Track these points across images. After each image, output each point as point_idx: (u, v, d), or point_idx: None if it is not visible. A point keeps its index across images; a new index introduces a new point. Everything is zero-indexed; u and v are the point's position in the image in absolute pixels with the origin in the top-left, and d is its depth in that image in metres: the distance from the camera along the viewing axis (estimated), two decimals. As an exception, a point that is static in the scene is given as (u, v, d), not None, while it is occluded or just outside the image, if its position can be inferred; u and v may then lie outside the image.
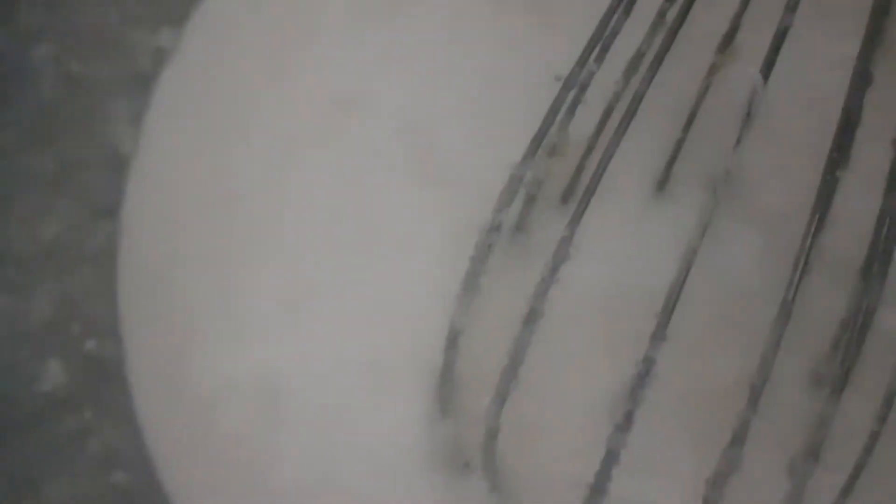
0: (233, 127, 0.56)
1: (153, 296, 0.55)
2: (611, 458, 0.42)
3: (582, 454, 0.49)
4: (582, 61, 0.47)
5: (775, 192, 0.55)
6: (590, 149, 0.53)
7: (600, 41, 0.47)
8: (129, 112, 0.54)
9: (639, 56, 0.50)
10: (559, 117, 0.49)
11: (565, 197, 0.55)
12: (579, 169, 0.54)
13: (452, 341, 0.49)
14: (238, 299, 0.54)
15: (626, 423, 0.42)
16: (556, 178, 0.53)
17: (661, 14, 0.49)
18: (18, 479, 0.44)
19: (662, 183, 0.55)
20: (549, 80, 0.56)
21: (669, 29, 0.47)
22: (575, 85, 0.48)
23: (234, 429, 0.53)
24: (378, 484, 0.52)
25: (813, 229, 0.43)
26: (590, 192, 0.44)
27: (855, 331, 0.46)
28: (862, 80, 0.43)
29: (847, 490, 0.45)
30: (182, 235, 0.55)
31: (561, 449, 0.51)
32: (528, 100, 0.57)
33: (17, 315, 0.46)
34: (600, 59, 0.49)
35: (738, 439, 0.41)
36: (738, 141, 0.44)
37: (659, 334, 0.41)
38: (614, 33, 0.49)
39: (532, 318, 0.44)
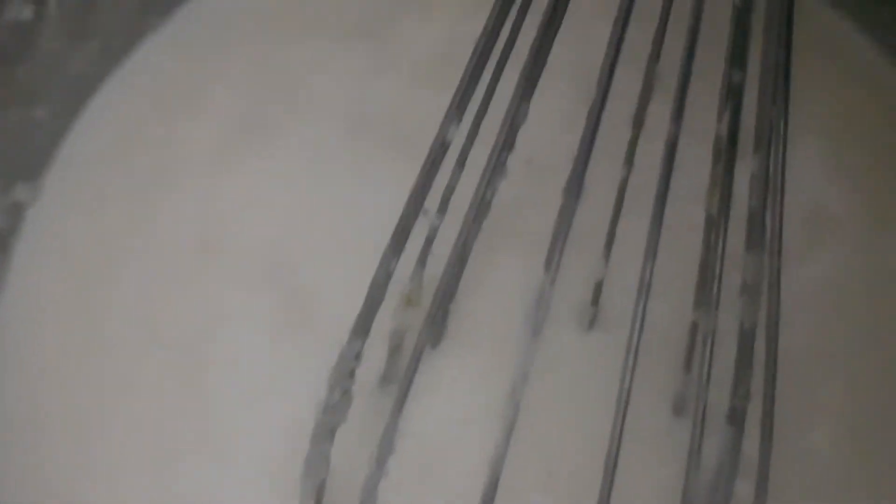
0: (98, 276, 0.55)
1: (17, 456, 0.53)
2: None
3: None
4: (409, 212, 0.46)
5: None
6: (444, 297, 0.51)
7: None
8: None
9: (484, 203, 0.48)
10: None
11: (434, 342, 0.54)
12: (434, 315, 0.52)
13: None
14: (107, 453, 0.53)
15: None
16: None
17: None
18: None
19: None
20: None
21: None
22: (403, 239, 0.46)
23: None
24: None
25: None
26: (403, 392, 0.43)
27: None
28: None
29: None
30: (45, 390, 0.54)
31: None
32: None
33: None
34: (442, 210, 0.48)
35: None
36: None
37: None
38: (451, 188, 0.48)
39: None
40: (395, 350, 0.52)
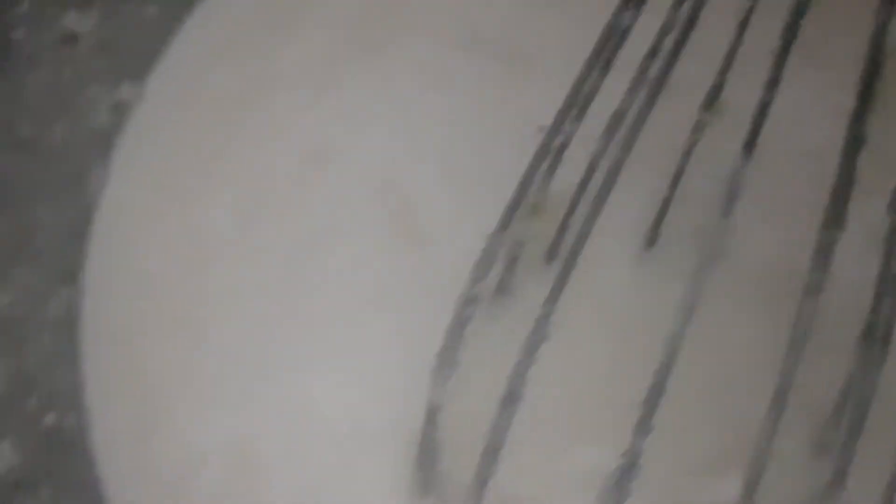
0: (200, 184, 0.53)
1: (118, 363, 0.52)
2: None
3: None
4: (558, 123, 0.45)
5: (768, 250, 0.52)
6: (573, 206, 0.50)
7: (579, 99, 0.45)
8: (88, 172, 0.52)
9: (621, 113, 0.47)
10: (538, 176, 0.47)
11: (549, 256, 0.52)
12: (562, 227, 0.51)
13: (431, 418, 0.47)
14: (209, 365, 0.52)
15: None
16: (539, 237, 0.51)
17: (643, 70, 0.47)
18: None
19: (651, 240, 0.53)
20: (533, 132, 0.55)
21: (652, 85, 0.45)
22: (550, 151, 0.45)
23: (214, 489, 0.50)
24: None
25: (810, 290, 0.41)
26: (569, 264, 0.42)
27: (857, 398, 0.44)
28: (856, 141, 0.41)
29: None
30: (148, 298, 0.53)
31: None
32: (510, 153, 0.54)
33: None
34: (580, 116, 0.47)
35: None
36: (725, 213, 0.41)
37: (643, 427, 0.38)
38: (593, 91, 0.47)
39: (510, 400, 0.42)
40: (512, 262, 0.51)
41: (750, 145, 0.41)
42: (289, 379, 0.51)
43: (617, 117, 0.47)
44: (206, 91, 0.54)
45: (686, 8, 0.42)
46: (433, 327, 0.49)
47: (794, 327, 0.40)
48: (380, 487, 0.50)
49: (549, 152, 0.46)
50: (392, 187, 0.54)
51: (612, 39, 0.43)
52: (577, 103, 0.45)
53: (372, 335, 0.51)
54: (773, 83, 0.41)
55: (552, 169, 0.48)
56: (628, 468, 0.39)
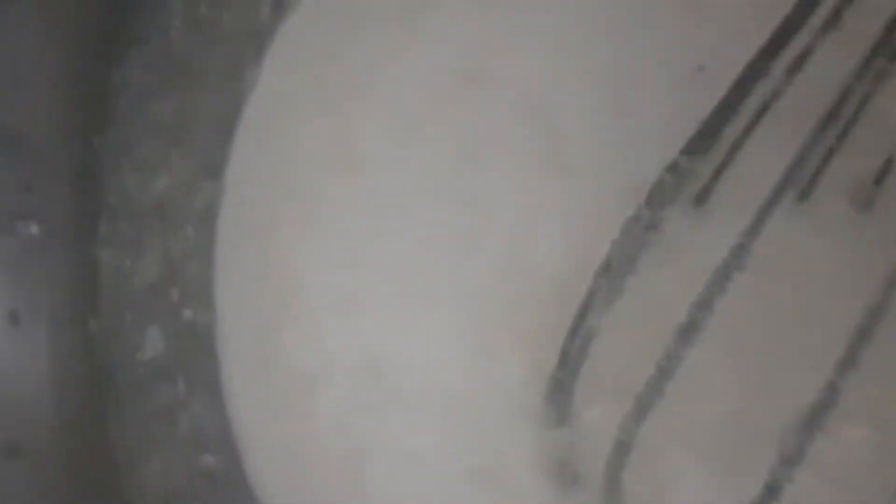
0: (351, 89, 0.52)
1: (251, 261, 0.51)
2: (771, 493, 0.39)
3: (715, 481, 0.47)
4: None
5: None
6: (733, 149, 0.49)
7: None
8: (247, 62, 0.50)
9: (804, 55, 0.46)
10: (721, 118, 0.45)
11: (700, 199, 0.51)
12: (718, 171, 0.50)
13: (584, 344, 0.45)
14: (345, 271, 0.51)
15: (796, 456, 0.38)
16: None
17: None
18: (117, 456, 0.40)
19: (806, 192, 0.51)
20: (692, 71, 0.53)
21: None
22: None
23: (329, 414, 0.49)
24: (477, 487, 0.49)
25: None
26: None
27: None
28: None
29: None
30: (289, 199, 0.52)
31: (688, 475, 0.47)
32: (667, 91, 0.53)
33: (126, 275, 0.42)
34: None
35: None
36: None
37: (849, 360, 0.37)
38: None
39: (691, 330, 0.41)
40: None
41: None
42: (426, 300, 0.50)
43: (798, 60, 0.46)
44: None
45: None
46: (576, 261, 0.50)
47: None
48: (509, 414, 0.49)
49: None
50: (541, 112, 0.52)
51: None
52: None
53: (512, 261, 0.50)
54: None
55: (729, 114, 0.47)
56: (825, 405, 0.37)
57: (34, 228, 0.35)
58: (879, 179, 0.51)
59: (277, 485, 0.49)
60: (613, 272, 0.44)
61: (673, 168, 0.44)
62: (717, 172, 0.50)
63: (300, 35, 0.52)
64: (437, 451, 0.49)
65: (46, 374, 0.36)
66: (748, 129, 0.48)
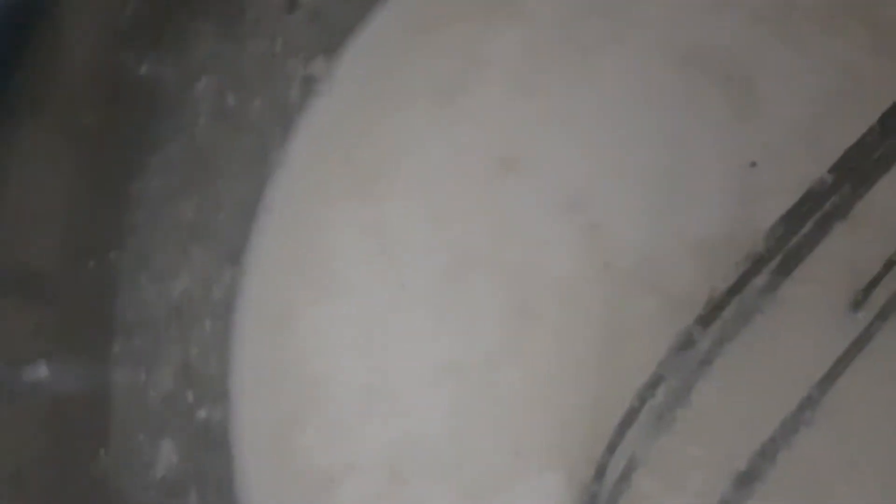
0: (381, 172, 0.50)
1: (269, 352, 0.49)
2: None
3: None
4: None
5: None
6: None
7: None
8: (273, 145, 0.48)
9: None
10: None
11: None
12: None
13: (626, 475, 0.43)
14: (375, 365, 0.48)
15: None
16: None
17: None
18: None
19: (858, 304, 0.49)
20: (744, 167, 0.51)
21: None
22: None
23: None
24: None
25: None
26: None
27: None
28: None
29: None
30: (310, 286, 0.49)
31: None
32: (716, 186, 0.51)
33: (140, 391, 0.40)
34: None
35: None
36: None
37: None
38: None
39: (750, 478, 0.38)
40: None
41: None
42: (455, 397, 0.48)
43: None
44: (400, 75, 0.50)
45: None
46: (612, 360, 0.47)
47: None
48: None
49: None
50: (581, 206, 0.50)
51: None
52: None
53: (549, 356, 0.48)
54: None
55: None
56: None
57: (42, 371, 0.32)
58: None
59: None
60: (663, 402, 0.41)
61: (734, 294, 0.41)
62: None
63: (329, 115, 0.50)
64: None
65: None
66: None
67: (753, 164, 0.50)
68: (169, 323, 0.41)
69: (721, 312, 0.40)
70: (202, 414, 0.45)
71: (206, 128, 0.41)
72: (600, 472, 0.45)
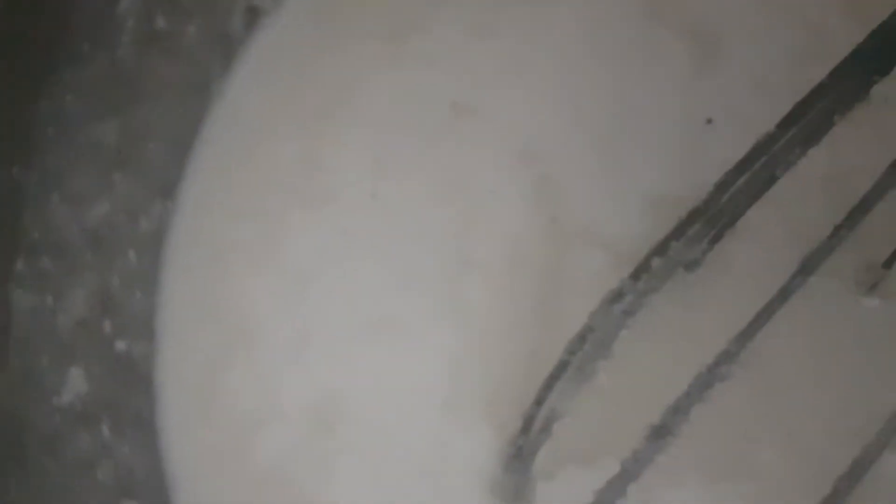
0: (327, 111, 0.48)
1: (200, 291, 0.48)
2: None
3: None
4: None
5: None
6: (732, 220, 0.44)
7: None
8: (212, 76, 0.46)
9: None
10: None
11: (690, 267, 0.46)
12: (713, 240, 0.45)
13: (547, 426, 0.42)
14: (302, 309, 0.47)
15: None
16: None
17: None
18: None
19: (811, 269, 0.47)
20: (700, 124, 0.49)
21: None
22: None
23: (273, 462, 0.46)
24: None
25: None
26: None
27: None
28: None
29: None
30: (247, 226, 0.48)
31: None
32: (672, 142, 0.49)
33: (46, 315, 0.39)
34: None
35: None
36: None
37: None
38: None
39: (662, 433, 0.37)
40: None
41: None
42: (389, 347, 0.47)
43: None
44: (351, 11, 0.49)
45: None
46: (552, 309, 0.46)
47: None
48: (469, 476, 0.45)
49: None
50: (531, 157, 0.48)
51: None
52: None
53: (482, 305, 0.47)
54: None
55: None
56: None
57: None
58: (889, 264, 0.47)
59: None
60: (586, 353, 0.40)
61: (662, 251, 0.39)
62: (713, 241, 0.47)
63: (274, 49, 0.48)
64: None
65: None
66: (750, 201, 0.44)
67: (710, 121, 0.49)
68: (84, 248, 0.40)
69: (650, 264, 0.39)
70: (121, 346, 0.44)
71: (132, 49, 0.39)
72: (527, 425, 0.44)
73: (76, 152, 0.38)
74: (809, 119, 0.37)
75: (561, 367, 0.42)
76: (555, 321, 0.46)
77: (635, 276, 0.41)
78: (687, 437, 0.38)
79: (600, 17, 0.50)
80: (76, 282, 0.40)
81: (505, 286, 0.47)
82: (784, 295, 0.37)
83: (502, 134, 0.48)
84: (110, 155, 0.41)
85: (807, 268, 0.38)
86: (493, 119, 0.48)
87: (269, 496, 0.46)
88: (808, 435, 0.44)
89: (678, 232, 0.39)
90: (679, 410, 0.37)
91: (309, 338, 0.47)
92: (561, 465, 0.45)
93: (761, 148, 0.38)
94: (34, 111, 0.35)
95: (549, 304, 0.47)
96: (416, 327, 0.47)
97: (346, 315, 0.47)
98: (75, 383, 0.41)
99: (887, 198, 0.44)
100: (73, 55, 0.36)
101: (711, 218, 0.38)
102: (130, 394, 0.44)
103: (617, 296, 0.41)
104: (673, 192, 0.47)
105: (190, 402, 0.47)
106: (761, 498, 0.44)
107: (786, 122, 0.38)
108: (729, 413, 0.42)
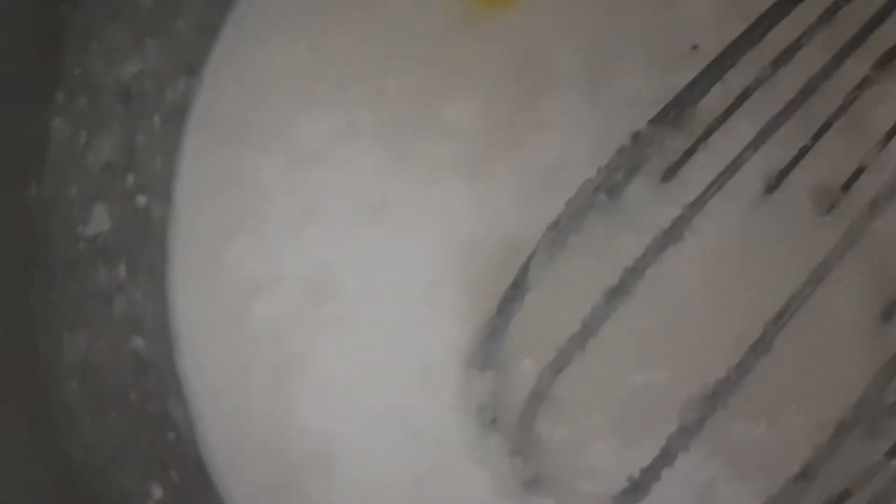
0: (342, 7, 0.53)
1: (218, 163, 0.52)
2: (664, 458, 0.40)
3: (620, 447, 0.47)
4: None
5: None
6: (708, 132, 0.49)
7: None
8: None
9: (794, 48, 0.46)
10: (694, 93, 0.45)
11: (667, 175, 0.51)
12: (688, 152, 0.50)
13: (518, 294, 0.46)
14: (310, 191, 0.52)
15: (694, 427, 0.39)
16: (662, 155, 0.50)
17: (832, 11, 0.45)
18: (41, 324, 0.41)
19: (772, 187, 0.52)
20: (686, 50, 0.53)
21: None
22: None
23: (266, 324, 0.50)
24: (398, 423, 0.50)
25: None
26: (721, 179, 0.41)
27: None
28: None
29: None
30: (264, 106, 0.52)
31: (599, 436, 0.48)
32: (661, 69, 0.53)
33: (79, 148, 0.43)
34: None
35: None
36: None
37: (763, 346, 0.38)
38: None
39: (620, 292, 0.41)
40: (632, 170, 0.49)
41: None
42: (380, 224, 0.51)
43: (787, 52, 0.46)
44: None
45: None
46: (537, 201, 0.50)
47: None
48: (442, 352, 0.50)
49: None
50: (533, 59, 0.53)
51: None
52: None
53: (468, 196, 0.52)
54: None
55: (704, 90, 0.47)
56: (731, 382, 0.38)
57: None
58: (848, 185, 0.51)
59: (206, 379, 0.50)
60: (560, 227, 0.45)
61: (636, 136, 0.44)
62: (688, 154, 0.51)
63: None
64: (366, 382, 0.50)
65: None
66: (724, 115, 0.48)
67: (695, 48, 0.52)
68: (116, 99, 0.45)
69: (624, 158, 0.44)
70: (141, 200, 0.48)
71: None
72: (501, 306, 0.48)
73: (116, 7, 0.43)
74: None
75: (536, 248, 0.47)
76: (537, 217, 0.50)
77: (609, 164, 0.45)
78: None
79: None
80: (106, 128, 0.44)
81: (484, 174, 0.52)
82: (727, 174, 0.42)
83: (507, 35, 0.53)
84: (145, 19, 0.45)
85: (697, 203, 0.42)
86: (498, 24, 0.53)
87: (259, 353, 0.50)
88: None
89: (652, 120, 0.43)
90: (635, 271, 0.41)
91: (310, 215, 0.52)
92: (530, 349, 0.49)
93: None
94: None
95: (531, 197, 0.51)
96: (409, 216, 0.52)
97: (347, 198, 0.52)
98: (99, 220, 0.45)
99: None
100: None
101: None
102: (146, 244, 0.49)
103: (591, 181, 0.45)
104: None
105: (198, 263, 0.51)
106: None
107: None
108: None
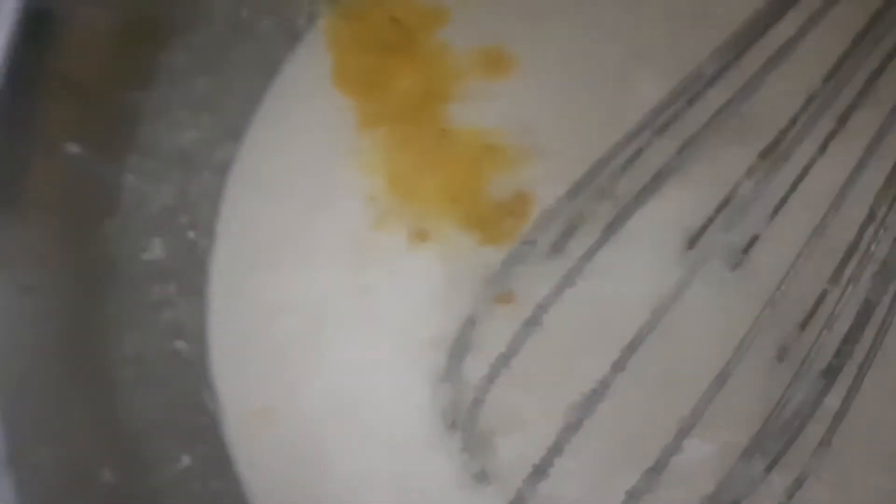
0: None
1: (250, 209, 0.63)
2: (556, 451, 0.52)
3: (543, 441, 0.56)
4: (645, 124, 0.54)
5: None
6: (639, 200, 0.58)
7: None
8: (280, 59, 0.63)
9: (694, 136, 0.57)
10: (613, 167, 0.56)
11: (606, 233, 0.61)
12: (623, 212, 0.58)
13: (469, 324, 0.59)
14: (323, 230, 0.63)
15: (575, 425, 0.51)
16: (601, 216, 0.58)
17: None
18: (108, 324, 0.54)
19: (691, 243, 0.61)
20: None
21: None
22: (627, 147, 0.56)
23: (283, 337, 0.62)
24: (386, 411, 0.61)
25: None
26: (607, 233, 0.53)
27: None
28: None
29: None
30: (293, 167, 0.63)
31: (532, 437, 0.57)
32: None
33: (144, 197, 0.56)
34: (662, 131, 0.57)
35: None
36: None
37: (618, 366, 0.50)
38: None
39: (531, 323, 0.54)
40: (571, 229, 0.60)
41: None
42: (373, 268, 0.63)
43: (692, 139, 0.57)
44: None
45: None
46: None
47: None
48: (417, 368, 0.61)
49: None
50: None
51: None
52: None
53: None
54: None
55: (628, 165, 0.57)
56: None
57: (75, 148, 0.49)
58: (746, 250, 0.61)
59: (232, 377, 0.62)
60: (499, 274, 0.57)
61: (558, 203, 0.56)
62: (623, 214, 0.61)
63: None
64: (356, 393, 0.61)
65: (61, 249, 0.50)
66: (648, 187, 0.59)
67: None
68: (175, 158, 0.57)
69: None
70: (191, 235, 0.60)
71: (222, 27, 0.57)
72: (460, 337, 0.60)
73: (179, 94, 0.56)
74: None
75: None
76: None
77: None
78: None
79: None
80: (167, 180, 0.57)
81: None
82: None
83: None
84: (200, 98, 0.58)
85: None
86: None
87: (279, 352, 0.62)
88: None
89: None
90: (543, 307, 0.54)
91: (314, 255, 0.63)
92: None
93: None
94: (154, 64, 0.54)
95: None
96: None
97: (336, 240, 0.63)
98: (157, 249, 0.58)
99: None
100: (179, 27, 0.54)
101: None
102: (192, 269, 0.61)
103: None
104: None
105: (231, 286, 0.63)
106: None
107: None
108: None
